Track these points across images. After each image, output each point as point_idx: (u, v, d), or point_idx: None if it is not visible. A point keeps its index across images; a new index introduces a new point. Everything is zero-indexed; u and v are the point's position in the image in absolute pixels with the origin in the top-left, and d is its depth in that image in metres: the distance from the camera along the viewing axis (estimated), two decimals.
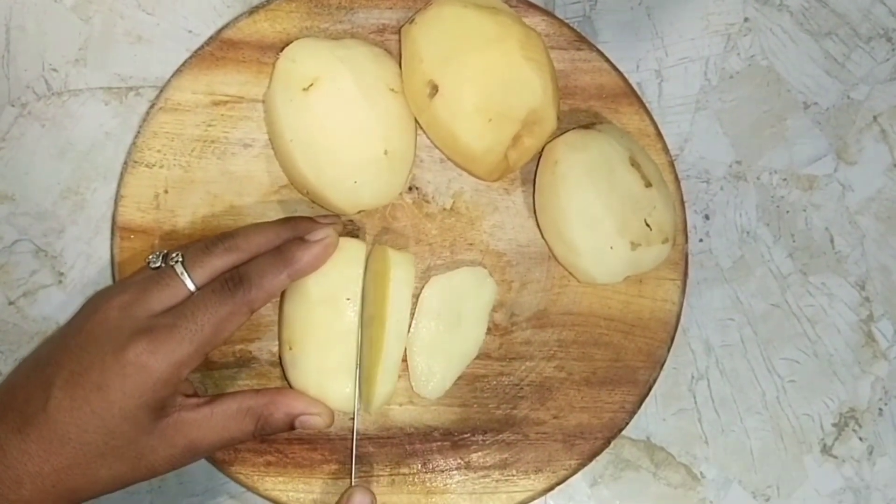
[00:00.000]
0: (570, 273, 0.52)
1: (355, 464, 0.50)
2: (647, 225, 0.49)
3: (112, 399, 0.41)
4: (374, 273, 0.49)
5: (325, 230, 0.47)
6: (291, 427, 0.47)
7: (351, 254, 0.48)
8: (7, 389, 0.45)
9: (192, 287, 0.44)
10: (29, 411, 0.42)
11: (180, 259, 0.45)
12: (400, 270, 0.48)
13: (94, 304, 0.44)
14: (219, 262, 0.45)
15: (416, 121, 0.51)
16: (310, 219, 0.49)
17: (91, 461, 0.42)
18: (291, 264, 0.45)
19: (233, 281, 0.44)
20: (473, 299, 0.52)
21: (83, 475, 0.42)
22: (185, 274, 0.44)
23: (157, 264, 0.45)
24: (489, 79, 0.47)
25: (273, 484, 0.50)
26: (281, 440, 0.50)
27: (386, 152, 0.49)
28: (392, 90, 0.50)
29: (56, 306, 0.53)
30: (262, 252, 0.46)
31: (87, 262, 0.53)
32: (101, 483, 0.43)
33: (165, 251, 0.46)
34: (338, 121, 0.48)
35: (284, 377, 0.50)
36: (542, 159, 0.51)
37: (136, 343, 0.42)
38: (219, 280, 0.44)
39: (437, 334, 0.51)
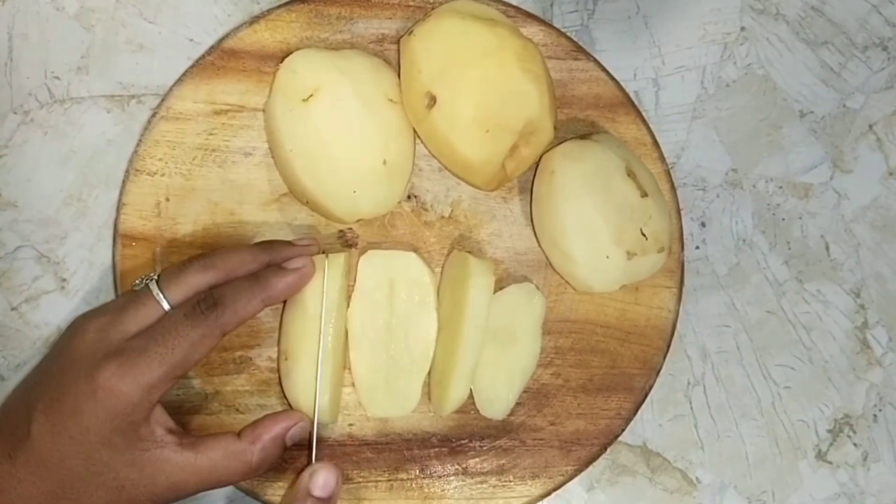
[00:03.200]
0: (567, 282, 0.53)
1: (354, 469, 0.51)
2: (643, 234, 0.49)
3: (87, 424, 0.41)
4: (451, 279, 0.50)
5: (301, 260, 0.47)
6: (285, 447, 0.47)
7: (334, 269, 0.49)
8: (1, 414, 0.46)
9: (166, 306, 0.44)
10: (16, 437, 0.42)
11: (155, 277, 0.45)
12: (480, 278, 0.49)
13: (74, 327, 0.44)
14: (194, 280, 0.45)
15: (415, 131, 0.51)
16: (288, 243, 0.49)
17: (75, 486, 0.42)
18: (266, 290, 0.45)
19: (205, 303, 0.43)
20: (525, 314, 0.52)
21: (70, 501, 0.42)
22: (160, 293, 0.44)
23: (140, 286, 0.45)
24: (487, 90, 0.48)
25: (273, 489, 0.51)
26: None
27: (385, 162, 0.49)
28: (391, 100, 0.50)
29: (58, 312, 0.53)
30: (238, 273, 0.46)
31: (90, 269, 0.53)
32: None
33: (149, 274, 0.46)
34: (337, 131, 0.48)
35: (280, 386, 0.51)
36: (538, 169, 0.52)
37: (106, 367, 0.41)
38: (191, 302, 0.44)
39: (496, 354, 0.51)
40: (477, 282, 0.48)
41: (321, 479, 0.46)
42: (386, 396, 0.51)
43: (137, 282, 0.46)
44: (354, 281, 0.50)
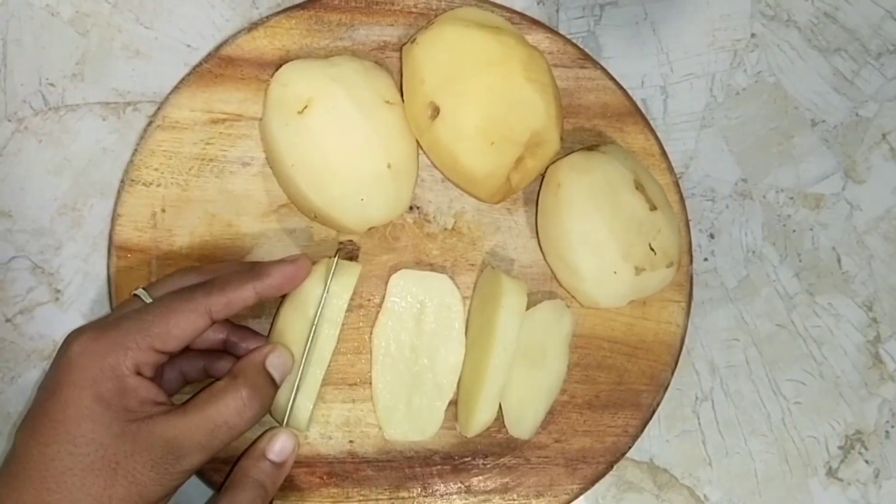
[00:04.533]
0: (573, 297, 0.51)
1: (355, 487, 0.50)
2: (652, 249, 0.48)
3: (65, 398, 0.40)
4: (483, 296, 0.50)
5: (300, 256, 0.47)
6: (273, 380, 0.45)
7: (347, 277, 0.48)
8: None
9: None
10: (12, 463, 0.41)
11: (143, 286, 0.45)
12: (511, 298, 0.48)
13: (64, 344, 0.43)
14: (181, 283, 0.45)
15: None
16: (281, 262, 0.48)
17: (69, 490, 0.39)
18: (260, 278, 0.44)
19: (196, 285, 0.44)
20: (556, 332, 0.51)
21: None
22: (146, 294, 0.44)
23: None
24: (491, 101, 0.46)
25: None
26: None
27: (389, 165, 0.48)
28: (388, 102, 0.49)
29: (53, 324, 0.52)
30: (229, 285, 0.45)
31: (85, 280, 0.52)
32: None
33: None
34: (337, 140, 0.47)
35: None
36: (544, 182, 0.51)
37: (79, 336, 0.41)
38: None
39: (526, 373, 0.50)
40: (508, 302, 0.48)
41: (278, 444, 0.45)
42: (405, 419, 0.50)
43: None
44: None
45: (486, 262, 0.52)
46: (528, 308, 0.49)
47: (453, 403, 0.51)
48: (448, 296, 0.50)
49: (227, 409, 0.42)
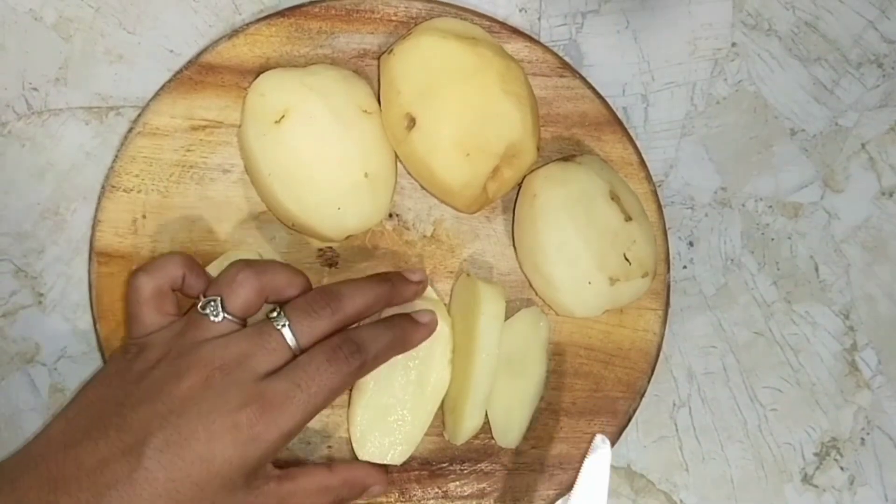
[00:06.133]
0: (549, 306, 0.52)
1: None
2: (627, 259, 0.48)
3: (216, 470, 0.39)
4: (461, 303, 0.50)
5: (429, 314, 0.48)
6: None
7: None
8: (55, 453, 0.40)
9: (295, 348, 0.42)
10: (104, 482, 0.38)
11: (286, 323, 0.42)
12: (490, 305, 0.48)
13: (184, 364, 0.41)
14: (325, 327, 0.43)
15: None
16: (400, 274, 0.49)
17: None
18: (403, 343, 0.46)
19: (349, 349, 0.43)
20: (535, 340, 0.51)
21: None
22: (293, 339, 0.42)
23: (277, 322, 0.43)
24: (467, 113, 0.47)
25: None
26: None
27: (366, 175, 0.48)
28: (365, 111, 0.49)
29: (36, 327, 0.52)
30: (364, 317, 0.46)
31: (67, 283, 0.53)
32: None
33: (275, 309, 0.44)
34: (314, 149, 0.47)
35: None
36: (521, 192, 0.51)
37: (247, 410, 0.39)
38: (331, 345, 0.43)
39: (510, 383, 0.50)
40: (487, 309, 0.48)
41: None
42: (379, 443, 0.49)
43: (210, 303, 0.43)
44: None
45: (464, 270, 0.53)
46: (506, 315, 0.50)
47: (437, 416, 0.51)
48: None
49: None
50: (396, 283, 0.48)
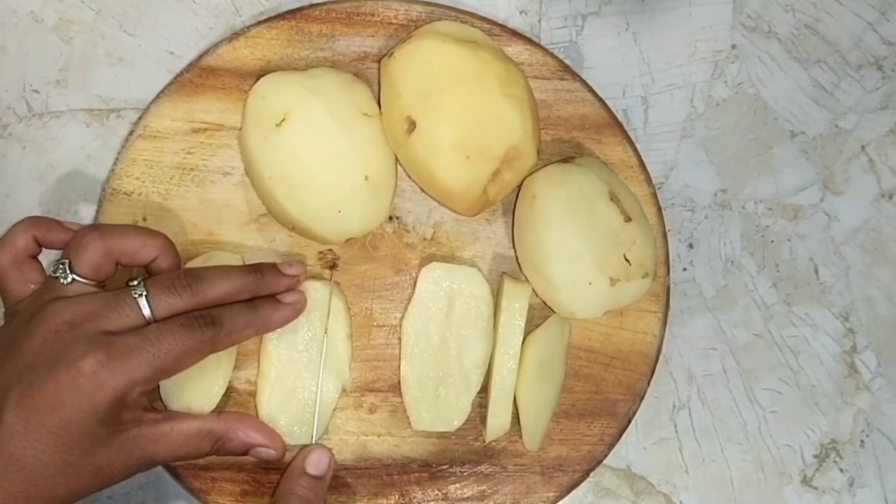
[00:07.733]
0: (550, 307, 0.52)
1: (332, 493, 0.51)
2: (627, 260, 0.48)
3: (69, 418, 0.40)
4: (497, 303, 0.51)
5: (295, 294, 0.48)
6: (245, 453, 0.47)
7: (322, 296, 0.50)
8: None
9: (149, 318, 0.43)
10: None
11: (144, 294, 0.43)
12: (511, 300, 0.49)
13: (44, 313, 0.42)
14: (182, 305, 0.44)
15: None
16: (274, 266, 0.48)
17: (49, 480, 0.41)
18: (261, 322, 0.46)
19: (204, 319, 0.43)
20: (559, 345, 0.52)
21: (41, 497, 0.41)
22: (149, 309, 0.43)
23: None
24: (467, 116, 0.47)
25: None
26: (258, 469, 0.50)
27: (367, 178, 0.48)
28: (366, 115, 0.49)
29: None
30: (225, 300, 0.45)
31: None
32: (59, 500, 0.42)
33: (135, 279, 0.45)
34: (315, 152, 0.48)
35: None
36: (520, 193, 0.51)
37: (92, 356, 0.40)
38: (187, 315, 0.44)
39: (541, 389, 0.51)
40: (508, 305, 0.49)
41: (314, 457, 0.48)
42: (433, 410, 0.50)
43: (59, 266, 0.44)
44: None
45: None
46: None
47: (480, 395, 0.51)
48: (477, 288, 0.51)
49: (201, 453, 0.46)
50: (267, 274, 0.48)
